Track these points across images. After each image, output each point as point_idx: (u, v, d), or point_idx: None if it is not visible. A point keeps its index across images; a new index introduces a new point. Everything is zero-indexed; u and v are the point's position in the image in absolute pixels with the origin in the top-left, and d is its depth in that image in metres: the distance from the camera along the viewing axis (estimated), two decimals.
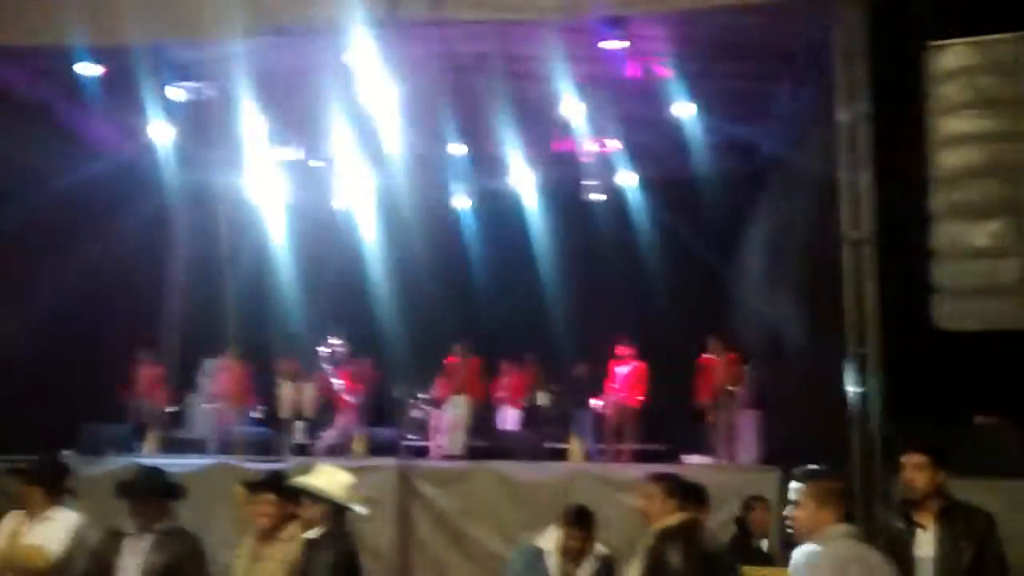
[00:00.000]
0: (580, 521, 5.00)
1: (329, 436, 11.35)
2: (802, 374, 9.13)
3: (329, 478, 4.27)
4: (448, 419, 11.07)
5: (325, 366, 12.00)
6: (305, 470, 4.70)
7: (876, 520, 7.08)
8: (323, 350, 12.03)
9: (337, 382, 11.83)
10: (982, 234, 7.15)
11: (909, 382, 7.29)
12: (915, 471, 4.22)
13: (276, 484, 4.51)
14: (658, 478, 4.60)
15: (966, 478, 6.30)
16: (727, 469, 9.61)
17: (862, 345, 7.35)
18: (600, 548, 5.04)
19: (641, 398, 10.75)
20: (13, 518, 5.09)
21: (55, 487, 5.13)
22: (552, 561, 4.92)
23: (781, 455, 9.39)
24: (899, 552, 4.08)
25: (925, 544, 4.10)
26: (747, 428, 10.54)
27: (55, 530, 4.93)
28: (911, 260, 7.43)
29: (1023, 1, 7.06)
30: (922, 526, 4.10)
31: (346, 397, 11.84)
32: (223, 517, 7.75)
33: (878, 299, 7.39)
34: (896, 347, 7.34)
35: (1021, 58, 7.26)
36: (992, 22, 7.31)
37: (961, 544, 3.99)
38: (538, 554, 4.98)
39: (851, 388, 7.32)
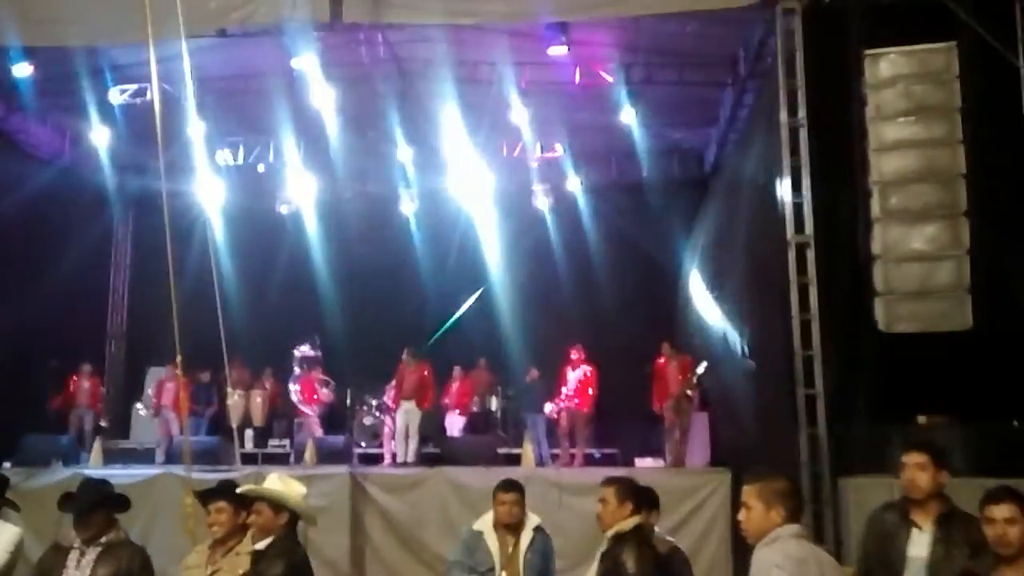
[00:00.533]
0: (511, 487, 5.04)
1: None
2: (749, 376, 9.28)
3: (283, 486, 4.21)
4: (399, 426, 11.01)
5: (297, 369, 12.01)
6: (256, 479, 4.64)
7: (822, 520, 7.27)
8: (297, 353, 12.08)
9: (294, 388, 11.82)
10: (919, 238, 7.36)
11: (853, 383, 7.45)
12: (917, 470, 4.11)
13: (229, 492, 4.43)
14: (612, 482, 4.63)
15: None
16: (679, 472, 9.72)
17: (807, 347, 7.52)
18: (533, 518, 5.08)
19: (592, 402, 10.82)
20: None
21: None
22: (491, 539, 4.97)
23: (730, 457, 9.55)
24: (889, 547, 4.09)
25: (919, 544, 4.05)
26: (697, 430, 10.67)
27: None
28: (852, 263, 7.61)
29: (954, 12, 7.26)
30: (918, 526, 4.08)
31: (303, 407, 11.72)
32: (170, 527, 7.63)
33: (821, 302, 7.57)
34: (840, 349, 7.51)
35: (953, 67, 7.50)
36: (924, 32, 7.54)
37: (955, 551, 3.96)
38: (477, 535, 5.04)
39: (798, 390, 7.47)
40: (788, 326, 7.59)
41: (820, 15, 7.87)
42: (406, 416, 10.74)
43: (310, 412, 11.76)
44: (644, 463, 10.45)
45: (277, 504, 4.08)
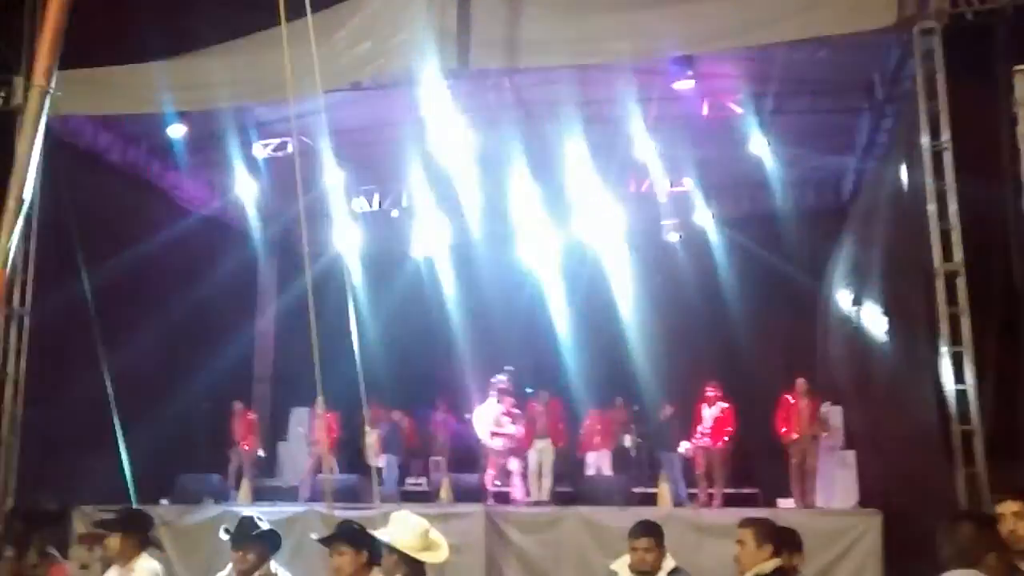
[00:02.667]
0: (645, 532, 4.92)
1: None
2: (897, 412, 8.82)
3: (402, 526, 4.25)
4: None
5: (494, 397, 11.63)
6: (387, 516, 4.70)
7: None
8: (495, 383, 11.70)
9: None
10: None
11: (1012, 418, 6.97)
12: (1017, 520, 3.88)
13: (347, 534, 4.51)
14: (750, 523, 4.47)
15: None
16: (824, 514, 9.29)
17: (960, 381, 7.09)
18: (670, 561, 4.94)
19: (730, 440, 10.53)
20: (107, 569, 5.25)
21: (140, 537, 5.29)
22: None
23: (880, 498, 9.06)
24: None
25: None
26: (843, 470, 10.21)
27: None
28: (1007, 291, 7.16)
29: None
30: None
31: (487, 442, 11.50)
32: (311, 564, 7.84)
33: (974, 332, 7.14)
34: (997, 382, 7.05)
35: None
36: None
37: None
38: None
39: (952, 426, 7.05)
40: (937, 359, 7.19)
41: (961, 33, 7.52)
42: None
43: (492, 445, 11.36)
44: (786, 504, 10.06)
45: (391, 548, 4.13)
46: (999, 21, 7.45)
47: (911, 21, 7.62)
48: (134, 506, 6.04)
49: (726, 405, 10.62)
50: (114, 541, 5.22)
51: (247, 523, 4.80)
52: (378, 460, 11.47)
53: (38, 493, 8.55)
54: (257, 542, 4.69)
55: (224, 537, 4.73)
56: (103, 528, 5.34)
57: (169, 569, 5.43)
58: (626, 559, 5.01)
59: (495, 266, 13.88)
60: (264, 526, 4.80)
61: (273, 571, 4.70)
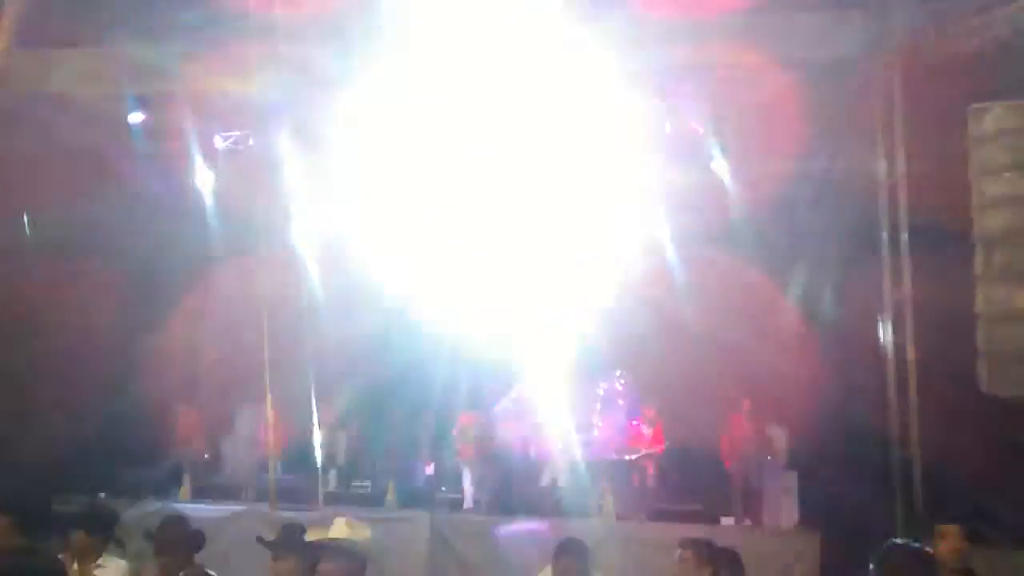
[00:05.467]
0: (569, 553, 4.88)
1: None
2: (841, 436, 8.96)
3: (348, 532, 4.21)
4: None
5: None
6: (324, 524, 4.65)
7: None
8: (599, 390, 11.27)
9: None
10: None
11: (954, 446, 7.13)
12: (962, 541, 4.28)
13: (294, 540, 4.45)
14: (691, 543, 4.51)
15: (1014, 549, 6.16)
16: (763, 533, 9.40)
17: (903, 409, 7.24)
18: None
19: (659, 456, 10.69)
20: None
21: (107, 534, 5.15)
22: None
23: (821, 520, 9.18)
24: None
25: None
26: (785, 491, 10.33)
27: None
28: (954, 322, 7.32)
29: None
30: None
31: None
32: (252, 562, 7.76)
33: (919, 361, 7.29)
34: (940, 411, 7.21)
35: None
36: None
37: None
38: None
39: (892, 452, 7.19)
40: (885, 386, 7.33)
41: (919, 70, 7.70)
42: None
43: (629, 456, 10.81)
44: (728, 522, 10.16)
45: (348, 552, 4.09)
46: (957, 60, 7.63)
47: (873, 54, 7.80)
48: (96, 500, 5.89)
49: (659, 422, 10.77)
50: (80, 537, 5.06)
51: (170, 525, 4.75)
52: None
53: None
54: (180, 544, 4.63)
55: (146, 541, 4.67)
56: (66, 523, 5.18)
57: None
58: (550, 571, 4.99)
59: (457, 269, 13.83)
60: (186, 527, 4.75)
61: (201, 571, 4.65)
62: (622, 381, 11.06)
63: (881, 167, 7.65)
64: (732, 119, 10.24)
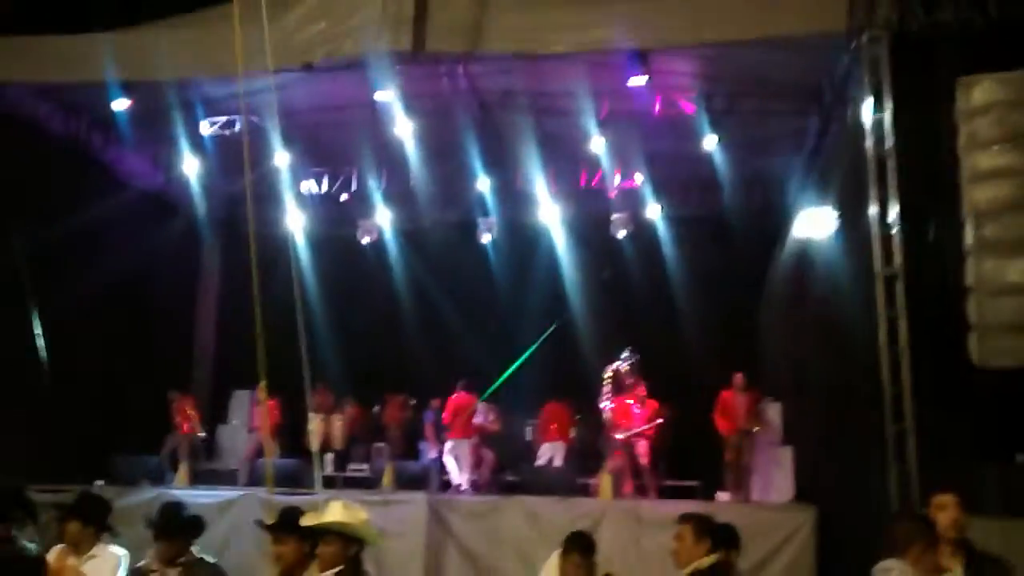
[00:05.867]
0: (578, 547, 4.88)
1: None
2: (834, 410, 9.02)
3: (346, 514, 4.21)
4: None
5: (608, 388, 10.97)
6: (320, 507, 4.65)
7: None
8: (610, 371, 11.00)
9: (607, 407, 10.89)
10: (1016, 270, 7.04)
11: (946, 419, 7.17)
12: (959, 511, 4.26)
13: (293, 524, 4.46)
14: (689, 518, 4.53)
15: (1004, 518, 6.22)
16: (759, 508, 9.47)
17: (896, 383, 7.27)
18: (600, 572, 4.94)
19: (653, 434, 10.73)
20: (56, 554, 4.96)
21: (100, 524, 5.14)
22: None
23: (816, 494, 9.26)
24: None
25: None
26: (780, 466, 10.42)
27: (104, 570, 4.95)
28: (944, 296, 7.35)
29: None
30: (948, 568, 4.09)
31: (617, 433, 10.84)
32: (249, 548, 7.79)
33: (911, 335, 7.32)
34: (932, 384, 7.24)
35: None
36: (1020, 57, 7.28)
37: None
38: None
39: (887, 426, 7.22)
40: (876, 360, 7.35)
41: (908, 42, 7.68)
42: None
43: (619, 436, 10.73)
44: (724, 497, 10.23)
45: (346, 535, 4.09)
46: (945, 33, 7.62)
47: (859, 28, 7.78)
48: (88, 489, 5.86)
49: (652, 401, 10.82)
50: (73, 527, 5.03)
51: (169, 511, 4.76)
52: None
53: None
54: (179, 530, 4.65)
55: (147, 528, 4.67)
56: (60, 513, 5.15)
57: None
58: (552, 569, 4.98)
59: (446, 254, 13.86)
60: (185, 513, 4.76)
61: (196, 556, 4.67)
62: (631, 361, 10.99)
63: (869, 141, 7.64)
64: (721, 96, 10.22)
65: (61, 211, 10.37)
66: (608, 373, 10.96)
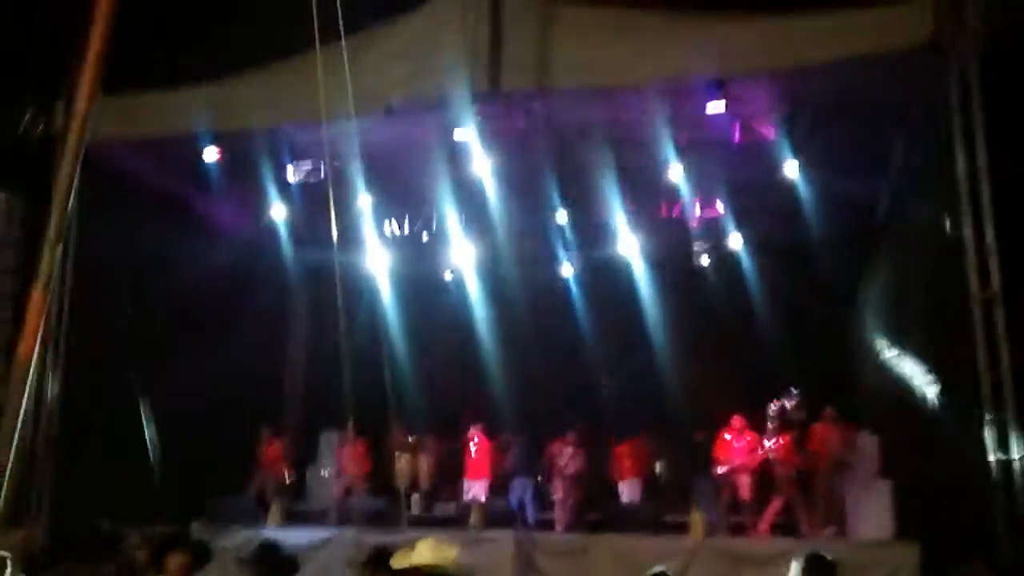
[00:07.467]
0: None
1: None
2: (936, 441, 8.63)
3: (435, 554, 4.19)
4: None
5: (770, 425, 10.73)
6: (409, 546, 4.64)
7: None
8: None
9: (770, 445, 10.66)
10: None
11: None
12: None
13: (385, 563, 4.45)
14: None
15: None
16: (859, 545, 9.10)
17: (1000, 410, 6.92)
18: None
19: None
20: None
21: (204, 561, 5.26)
22: None
23: (918, 530, 8.85)
24: None
25: None
26: (877, 500, 10.00)
27: None
28: None
29: None
30: None
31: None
32: None
33: (1013, 360, 6.98)
34: None
35: None
36: None
37: None
38: None
39: (992, 456, 6.88)
40: (976, 386, 7.03)
41: (998, 55, 7.41)
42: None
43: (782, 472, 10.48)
44: (824, 533, 9.88)
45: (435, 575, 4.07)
46: None
47: (945, 41, 7.53)
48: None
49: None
50: (180, 558, 5.16)
51: (266, 551, 4.83)
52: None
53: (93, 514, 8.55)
54: (275, 570, 4.71)
55: (241, 567, 4.75)
56: (167, 542, 5.28)
57: None
58: None
59: (526, 289, 13.87)
60: (281, 553, 4.82)
61: None
62: (795, 399, 10.66)
63: (961, 159, 7.36)
64: (802, 120, 10.01)
65: (159, 262, 10.74)
66: (773, 410, 10.63)
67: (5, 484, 3.39)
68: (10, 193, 9.74)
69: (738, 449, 10.51)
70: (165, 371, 10.72)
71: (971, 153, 7.39)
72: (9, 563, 4.52)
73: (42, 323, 3.87)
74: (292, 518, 11.25)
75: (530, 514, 11.14)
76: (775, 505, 10.24)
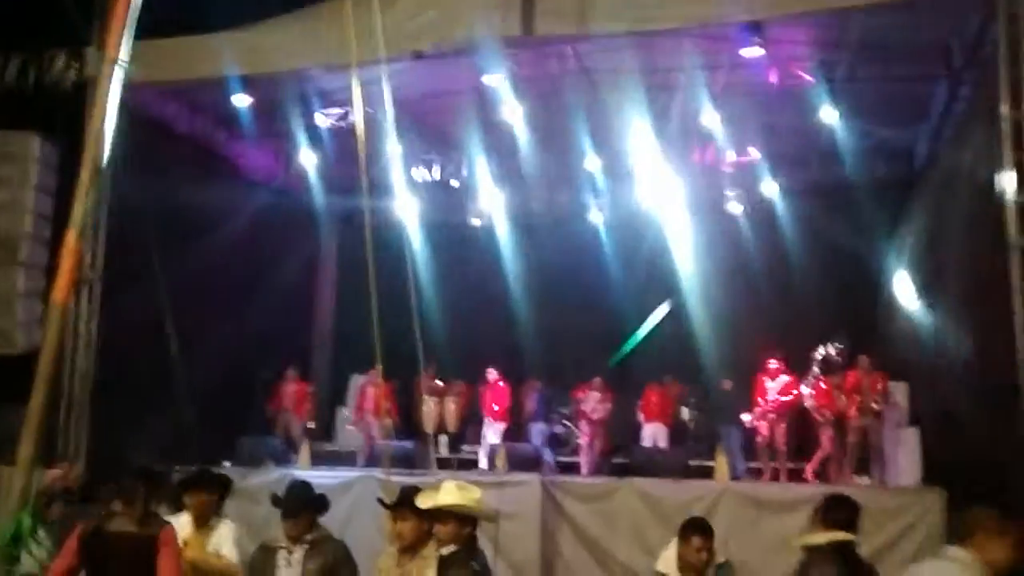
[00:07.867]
0: (697, 531, 4.85)
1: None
2: (968, 390, 8.56)
3: (460, 494, 4.26)
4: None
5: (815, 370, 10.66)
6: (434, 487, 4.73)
7: None
8: (818, 354, 10.76)
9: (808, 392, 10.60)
10: None
11: None
12: None
13: (412, 503, 4.55)
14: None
15: None
16: (887, 491, 9.11)
17: None
18: (718, 557, 4.89)
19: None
20: (182, 526, 5.21)
21: (221, 499, 5.40)
22: None
23: (946, 477, 8.84)
24: None
25: None
26: (905, 447, 9.98)
27: (224, 541, 5.21)
28: None
29: None
30: None
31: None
32: (366, 526, 7.99)
33: None
34: None
35: None
36: None
37: None
38: None
39: (1022, 404, 6.81)
40: (1012, 335, 6.93)
41: None
42: None
43: (820, 418, 10.47)
44: (856, 480, 9.91)
45: (461, 515, 4.14)
46: None
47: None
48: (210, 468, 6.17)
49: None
50: (198, 500, 5.30)
51: (296, 490, 4.92)
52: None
53: (128, 452, 8.78)
54: (306, 509, 4.81)
55: (274, 506, 4.85)
56: (187, 485, 5.43)
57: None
58: (671, 557, 4.94)
59: (556, 236, 13.82)
60: (311, 492, 4.91)
61: (322, 534, 4.82)
62: (839, 346, 10.62)
63: (1005, 104, 7.16)
64: (841, 64, 9.77)
65: (190, 206, 10.80)
66: (818, 355, 10.60)
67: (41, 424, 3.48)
68: (46, 139, 9.80)
69: (775, 390, 10.50)
70: (197, 315, 10.85)
71: (1016, 95, 7.19)
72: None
73: (77, 267, 3.93)
74: (321, 459, 11.44)
75: (548, 459, 11.26)
76: (822, 451, 10.24)
